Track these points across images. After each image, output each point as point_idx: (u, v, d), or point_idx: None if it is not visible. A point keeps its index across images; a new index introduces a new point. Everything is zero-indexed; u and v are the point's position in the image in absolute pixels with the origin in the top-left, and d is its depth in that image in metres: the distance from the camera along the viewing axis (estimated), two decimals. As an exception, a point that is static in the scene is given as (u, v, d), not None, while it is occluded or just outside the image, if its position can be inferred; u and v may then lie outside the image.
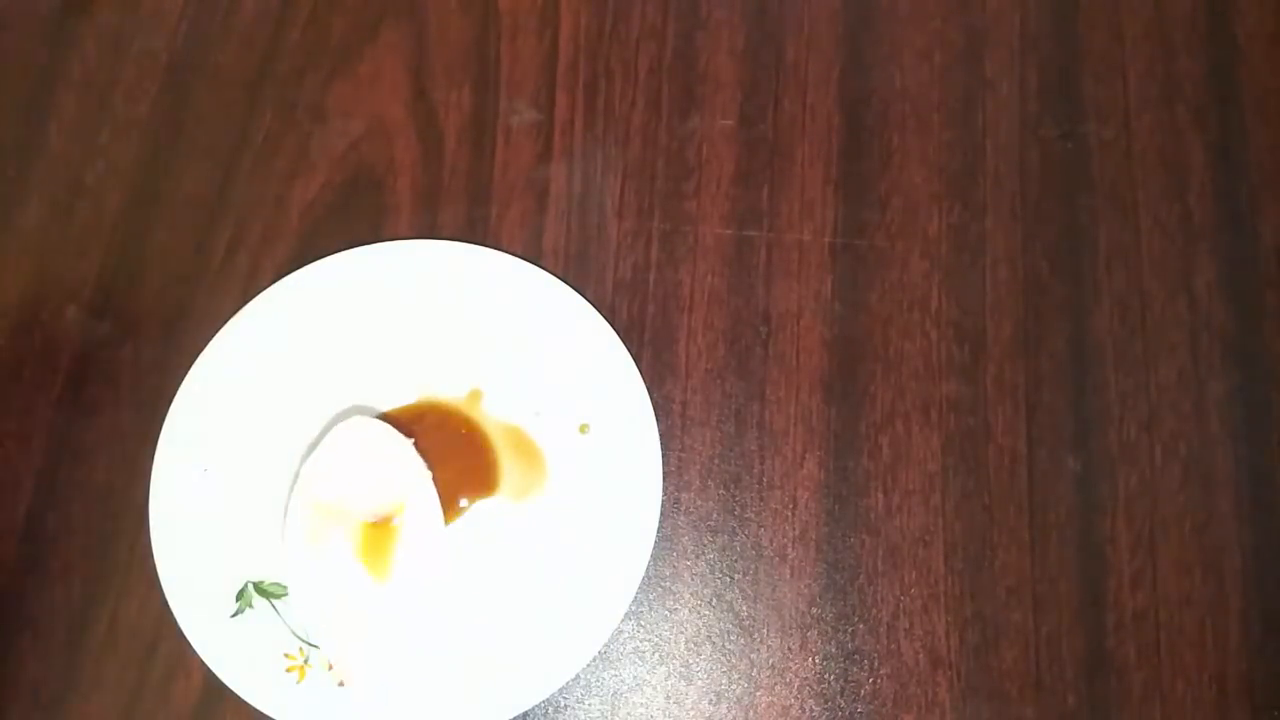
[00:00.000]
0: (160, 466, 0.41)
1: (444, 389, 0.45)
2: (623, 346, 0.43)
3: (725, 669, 0.43)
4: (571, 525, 0.43)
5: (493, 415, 0.44)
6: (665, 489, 0.44)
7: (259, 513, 0.42)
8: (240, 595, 0.41)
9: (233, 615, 0.41)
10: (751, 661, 0.43)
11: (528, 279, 0.45)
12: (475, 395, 0.45)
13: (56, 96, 0.50)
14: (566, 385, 0.44)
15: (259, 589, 0.41)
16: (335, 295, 0.45)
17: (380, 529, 0.41)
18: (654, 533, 0.41)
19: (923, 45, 0.51)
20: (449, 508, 0.43)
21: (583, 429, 0.44)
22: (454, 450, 0.44)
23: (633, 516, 0.42)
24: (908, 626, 0.43)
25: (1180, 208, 0.49)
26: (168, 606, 0.41)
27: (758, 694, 0.42)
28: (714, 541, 0.44)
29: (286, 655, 0.41)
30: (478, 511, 0.43)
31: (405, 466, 0.42)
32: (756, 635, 0.43)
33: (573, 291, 0.44)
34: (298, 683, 0.40)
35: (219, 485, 0.42)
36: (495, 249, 0.46)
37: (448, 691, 0.40)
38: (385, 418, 0.44)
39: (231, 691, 0.40)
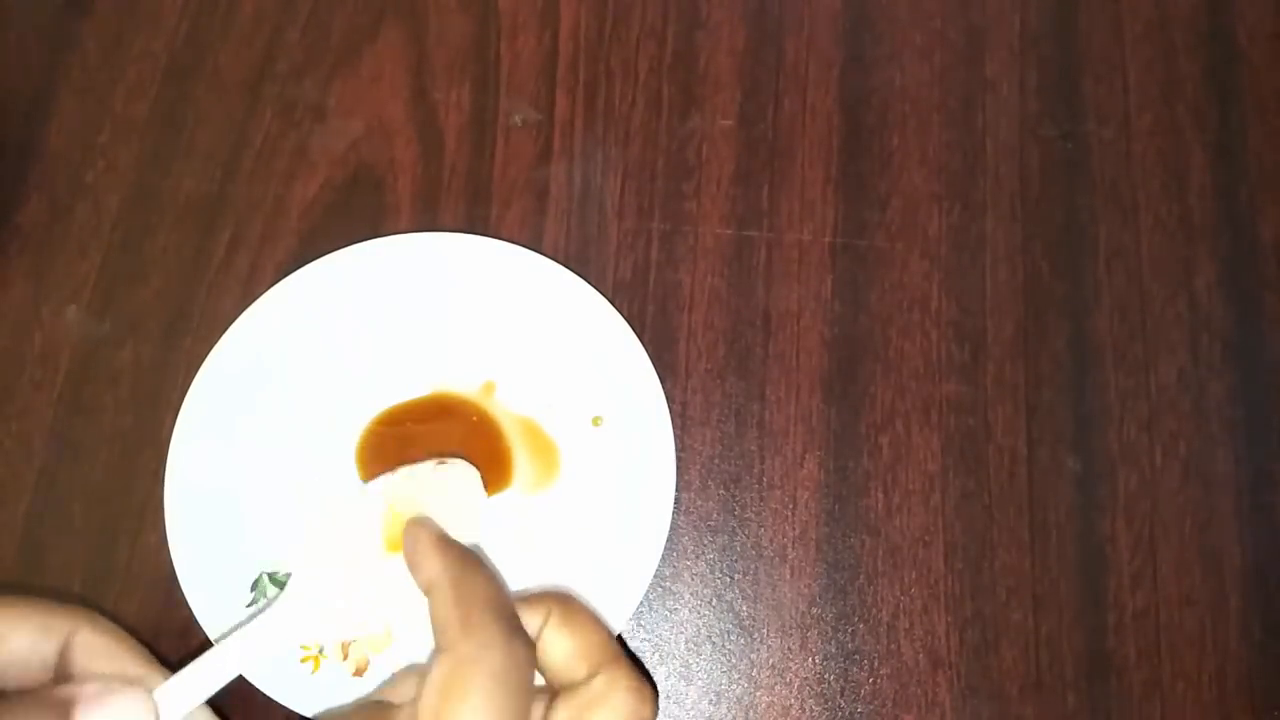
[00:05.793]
0: (174, 464, 0.42)
1: (456, 382, 0.45)
2: (636, 339, 0.43)
3: (725, 669, 0.43)
4: (583, 519, 0.43)
5: (506, 407, 0.44)
6: (665, 489, 0.44)
7: (272, 506, 0.43)
8: (255, 586, 0.41)
9: (248, 605, 0.41)
10: (751, 661, 0.43)
11: (537, 270, 0.45)
12: (488, 388, 0.45)
13: (56, 96, 0.50)
14: (579, 377, 0.44)
15: (273, 580, 0.42)
16: (350, 288, 0.45)
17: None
18: (667, 529, 0.41)
19: (923, 45, 0.51)
20: None
21: (596, 421, 0.44)
22: (467, 443, 0.43)
23: (645, 510, 0.42)
24: (908, 626, 0.43)
25: (1180, 208, 0.49)
26: (169, 605, 0.41)
27: (758, 694, 0.42)
28: (714, 541, 0.44)
29: (301, 645, 0.41)
30: (489, 506, 0.43)
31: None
32: (756, 635, 0.43)
33: (584, 283, 0.44)
34: (312, 673, 0.40)
35: (233, 479, 0.42)
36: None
37: None
38: (397, 410, 0.44)
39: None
